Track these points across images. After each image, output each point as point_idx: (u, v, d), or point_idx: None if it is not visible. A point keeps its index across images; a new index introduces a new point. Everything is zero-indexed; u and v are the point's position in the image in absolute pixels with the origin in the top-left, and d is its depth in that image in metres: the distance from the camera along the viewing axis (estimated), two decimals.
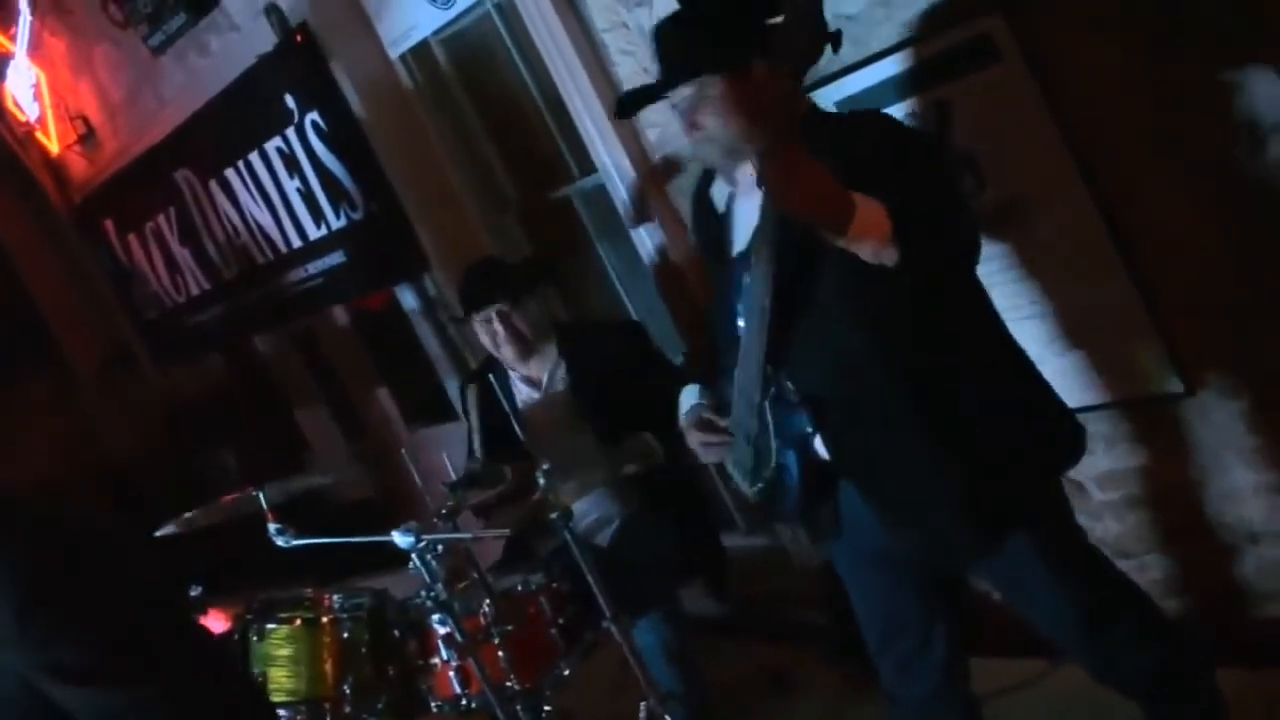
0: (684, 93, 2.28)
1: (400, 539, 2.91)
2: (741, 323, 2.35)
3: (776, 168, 1.91)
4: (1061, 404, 2.46)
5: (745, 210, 2.40)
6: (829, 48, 2.04)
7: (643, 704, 3.11)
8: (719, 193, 2.52)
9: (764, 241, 2.18)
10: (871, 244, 2.06)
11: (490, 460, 3.53)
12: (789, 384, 2.34)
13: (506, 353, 3.59)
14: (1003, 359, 2.41)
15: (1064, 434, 2.44)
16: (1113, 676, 2.57)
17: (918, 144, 2.43)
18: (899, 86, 2.95)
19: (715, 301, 2.59)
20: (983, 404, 2.29)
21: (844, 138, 2.23)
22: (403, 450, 3.29)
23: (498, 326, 3.54)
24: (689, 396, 2.64)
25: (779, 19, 2.09)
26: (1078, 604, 2.45)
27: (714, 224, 2.54)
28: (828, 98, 3.08)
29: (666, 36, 2.34)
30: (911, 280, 2.15)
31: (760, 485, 2.47)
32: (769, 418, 2.38)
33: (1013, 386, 2.39)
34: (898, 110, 2.97)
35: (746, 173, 2.37)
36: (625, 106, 2.48)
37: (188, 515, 3.41)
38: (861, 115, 2.62)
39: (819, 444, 2.37)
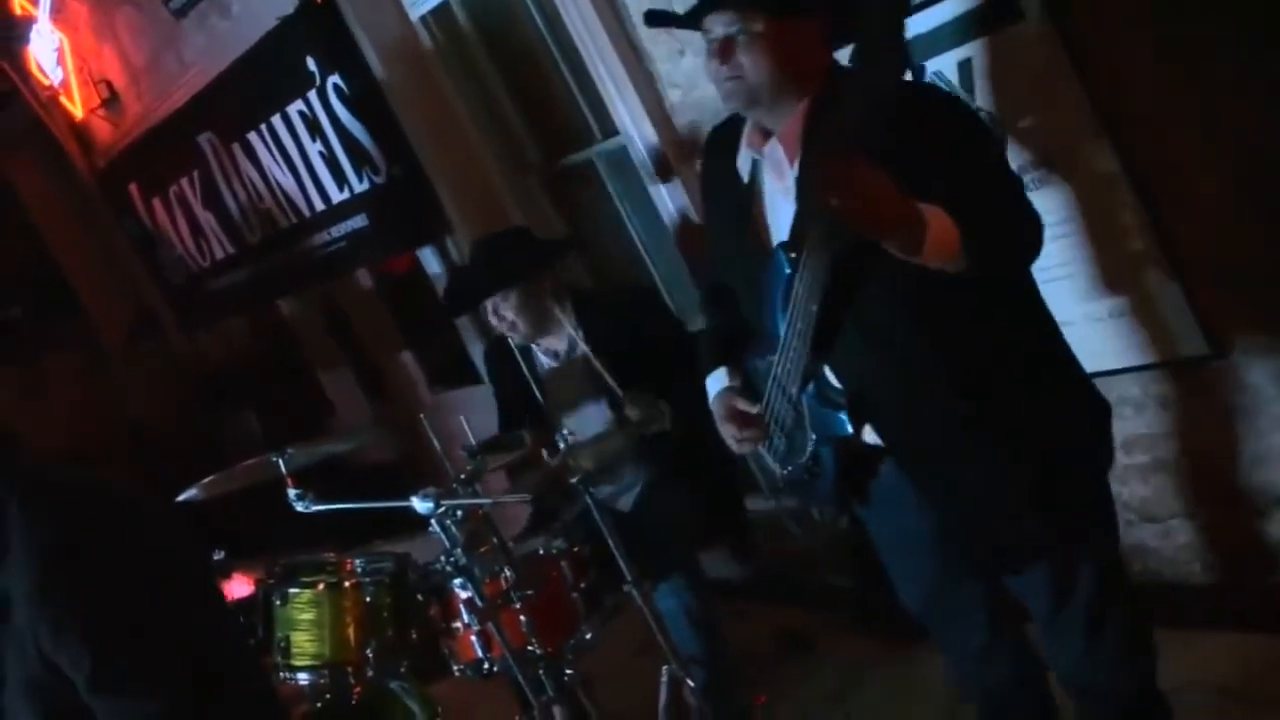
0: (722, 22, 2.10)
1: (419, 504, 2.90)
2: (780, 315, 2.16)
3: (839, 184, 1.77)
4: (1095, 392, 2.34)
5: (773, 190, 2.24)
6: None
7: (664, 668, 3.12)
8: (743, 159, 2.29)
9: (814, 246, 2.00)
10: (940, 259, 1.93)
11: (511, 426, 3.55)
12: (831, 380, 2.22)
13: (512, 337, 3.60)
14: (1055, 353, 2.30)
15: (1100, 420, 2.33)
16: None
17: (974, 130, 2.20)
18: (919, 45, 2.90)
19: (738, 282, 2.39)
20: (1041, 402, 2.20)
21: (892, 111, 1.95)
22: (421, 415, 3.27)
23: (492, 317, 3.56)
24: (716, 381, 2.49)
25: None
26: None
27: (736, 192, 2.33)
28: (844, 60, 3.03)
29: None
30: (974, 281, 2.02)
31: (790, 470, 2.37)
32: (805, 411, 2.26)
33: (1062, 383, 2.29)
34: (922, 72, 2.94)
35: (777, 150, 2.18)
36: (655, 17, 2.38)
37: (208, 480, 3.42)
38: (911, 90, 2.36)
39: (867, 432, 2.26)
